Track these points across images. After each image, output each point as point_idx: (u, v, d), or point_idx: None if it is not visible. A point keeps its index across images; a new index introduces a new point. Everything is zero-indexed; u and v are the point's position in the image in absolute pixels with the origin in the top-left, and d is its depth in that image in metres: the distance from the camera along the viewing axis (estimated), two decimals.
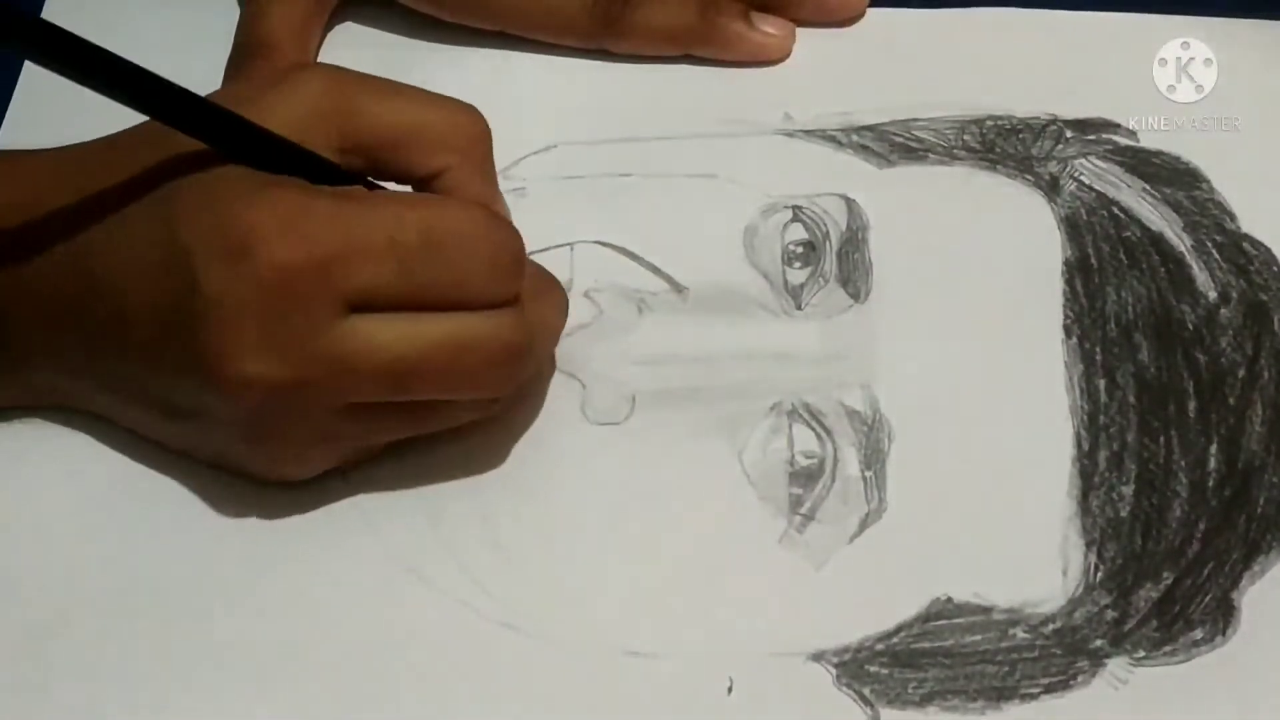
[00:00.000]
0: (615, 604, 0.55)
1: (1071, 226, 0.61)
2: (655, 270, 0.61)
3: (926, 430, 0.57)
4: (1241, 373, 0.58)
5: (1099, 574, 0.54)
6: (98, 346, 0.54)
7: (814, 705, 0.53)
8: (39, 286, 0.53)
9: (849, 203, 0.62)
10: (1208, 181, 0.62)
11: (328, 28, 0.66)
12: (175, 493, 0.56)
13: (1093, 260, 0.61)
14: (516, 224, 0.55)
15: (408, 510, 0.56)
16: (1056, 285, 0.60)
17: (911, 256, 0.61)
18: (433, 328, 0.52)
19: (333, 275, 0.50)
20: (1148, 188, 0.62)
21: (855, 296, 0.60)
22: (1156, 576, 0.54)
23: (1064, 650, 0.53)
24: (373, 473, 0.56)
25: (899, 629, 0.54)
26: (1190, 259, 0.61)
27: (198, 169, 0.52)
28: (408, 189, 0.55)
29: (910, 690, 0.53)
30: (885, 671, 0.53)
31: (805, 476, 0.57)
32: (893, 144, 0.64)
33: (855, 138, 0.64)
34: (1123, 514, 0.55)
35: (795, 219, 0.62)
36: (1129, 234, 0.61)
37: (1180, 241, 0.61)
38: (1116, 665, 0.53)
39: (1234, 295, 0.60)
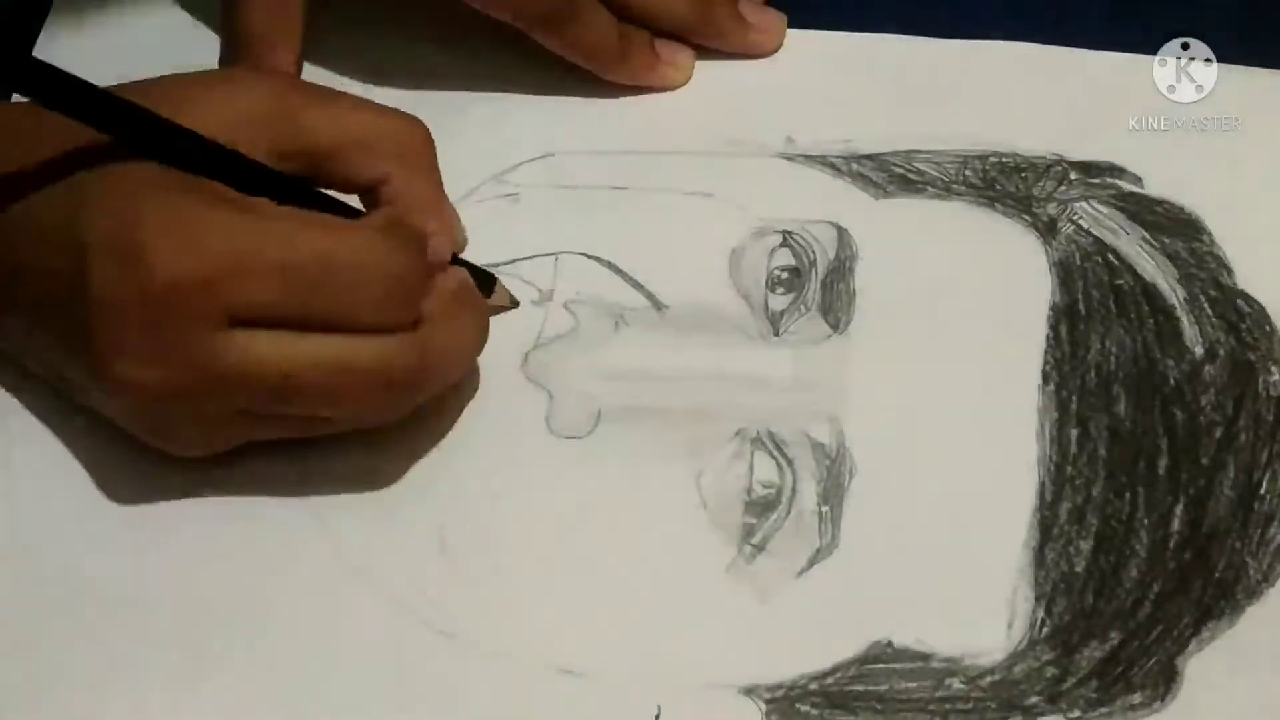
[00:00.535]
0: (552, 619, 0.54)
1: (1064, 270, 0.60)
2: (637, 286, 0.61)
3: (889, 469, 0.56)
4: (1219, 433, 0.56)
5: (1044, 629, 0.53)
6: None
7: None
8: None
9: (840, 231, 0.61)
10: (1209, 233, 0.61)
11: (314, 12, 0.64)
12: (121, 484, 0.56)
13: (1081, 307, 0.59)
14: (506, 230, 0.54)
15: (360, 510, 0.56)
16: (1040, 330, 0.59)
17: (897, 290, 0.60)
18: (314, 347, 0.52)
19: (218, 291, 0.51)
20: (1147, 236, 0.61)
21: (835, 326, 0.59)
22: (1104, 636, 0.53)
23: (998, 705, 0.52)
24: (327, 470, 0.56)
25: (835, 669, 0.53)
26: (1181, 312, 0.59)
27: (112, 160, 0.52)
28: (354, 198, 0.56)
29: None
30: (815, 712, 0.52)
31: (761, 506, 0.56)
32: (891, 174, 0.63)
33: (855, 165, 0.63)
34: (1077, 569, 0.54)
35: (784, 244, 0.61)
36: (1121, 282, 0.60)
37: (1173, 293, 0.60)
38: None
39: (1221, 352, 0.58)
